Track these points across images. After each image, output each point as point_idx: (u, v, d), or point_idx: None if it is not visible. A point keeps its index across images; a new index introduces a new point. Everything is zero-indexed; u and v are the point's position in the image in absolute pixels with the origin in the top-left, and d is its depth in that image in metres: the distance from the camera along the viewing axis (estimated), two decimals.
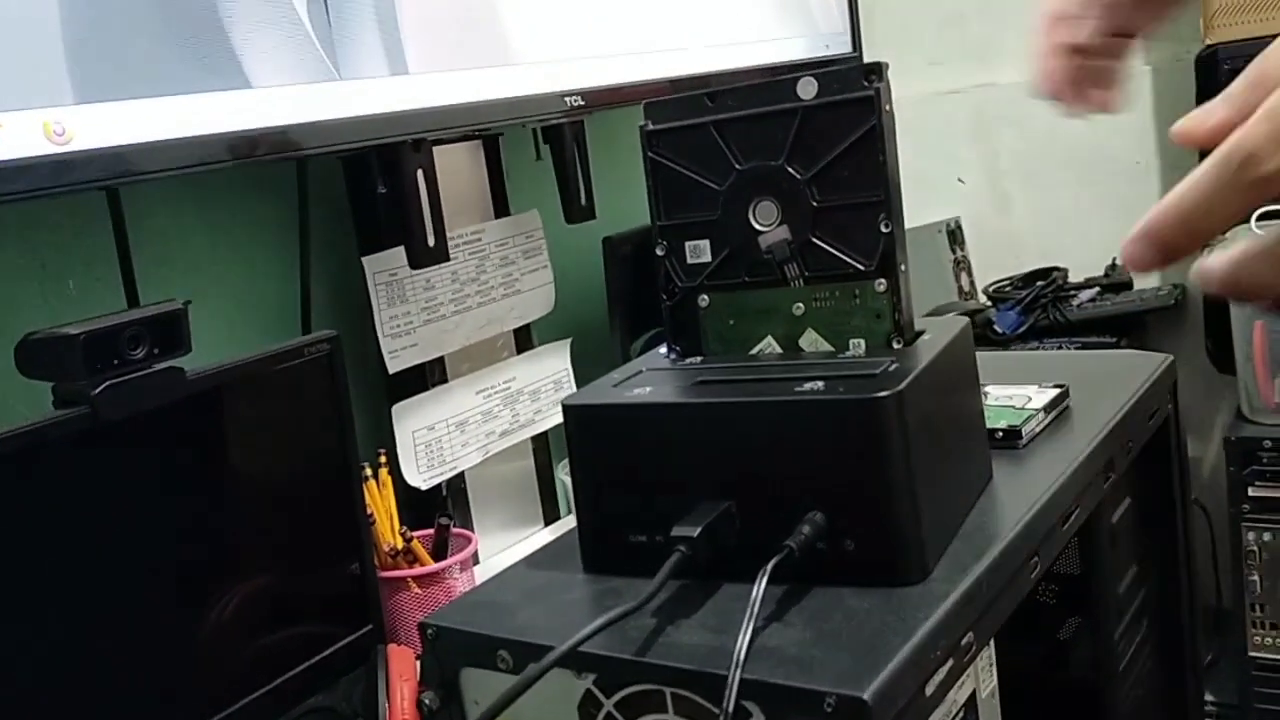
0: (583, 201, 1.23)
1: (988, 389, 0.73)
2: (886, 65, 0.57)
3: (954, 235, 1.92)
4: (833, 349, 0.60)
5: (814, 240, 0.59)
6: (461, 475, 1.18)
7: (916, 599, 0.50)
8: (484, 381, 1.20)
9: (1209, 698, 1.59)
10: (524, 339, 1.27)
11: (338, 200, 1.12)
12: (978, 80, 1.89)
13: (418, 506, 1.12)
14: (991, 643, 0.57)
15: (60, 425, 0.75)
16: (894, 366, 0.54)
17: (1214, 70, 1.60)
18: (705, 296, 0.62)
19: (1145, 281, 1.80)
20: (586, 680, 0.51)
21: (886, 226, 0.57)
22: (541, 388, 1.26)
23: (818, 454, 0.51)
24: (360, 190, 1.10)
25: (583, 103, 1.12)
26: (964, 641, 0.50)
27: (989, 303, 1.82)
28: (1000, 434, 0.66)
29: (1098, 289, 1.78)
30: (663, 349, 0.64)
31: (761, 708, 0.46)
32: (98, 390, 0.75)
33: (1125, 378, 0.73)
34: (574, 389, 1.29)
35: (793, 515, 0.52)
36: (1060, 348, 1.71)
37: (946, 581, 0.51)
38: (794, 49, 1.45)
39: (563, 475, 1.28)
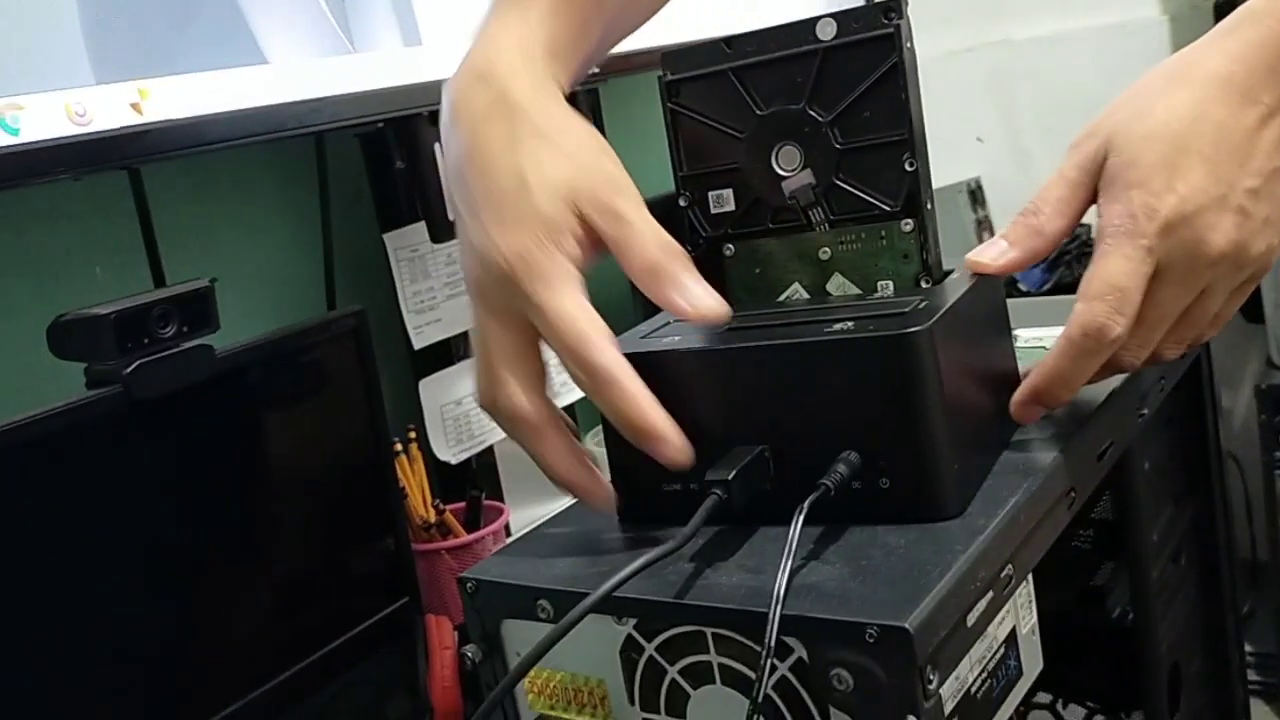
0: None
1: (1017, 333, 0.72)
2: (906, 2, 0.57)
3: (975, 195, 1.90)
4: (861, 292, 0.60)
5: (838, 183, 0.59)
6: (490, 448, 1.18)
7: (954, 533, 0.50)
8: None
9: (1246, 648, 1.58)
10: None
11: (356, 178, 1.13)
12: (992, 37, 1.87)
13: (448, 480, 1.13)
14: (1030, 579, 0.57)
15: (93, 405, 0.75)
16: (924, 304, 0.54)
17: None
18: (730, 246, 0.62)
19: None
20: (627, 625, 0.51)
21: (911, 165, 0.57)
22: None
23: (850, 393, 0.51)
24: (378, 166, 1.11)
25: (597, 70, 1.11)
26: (1003, 574, 0.50)
27: None
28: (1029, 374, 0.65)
29: None
30: None
31: (803, 642, 0.46)
32: (129, 369, 0.76)
33: None
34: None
35: (827, 456, 0.52)
36: None
37: (983, 515, 0.51)
38: (812, 6, 1.44)
39: (591, 445, 1.28)
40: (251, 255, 1.06)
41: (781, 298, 0.61)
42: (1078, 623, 0.78)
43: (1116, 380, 0.65)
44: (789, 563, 0.46)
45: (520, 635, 0.54)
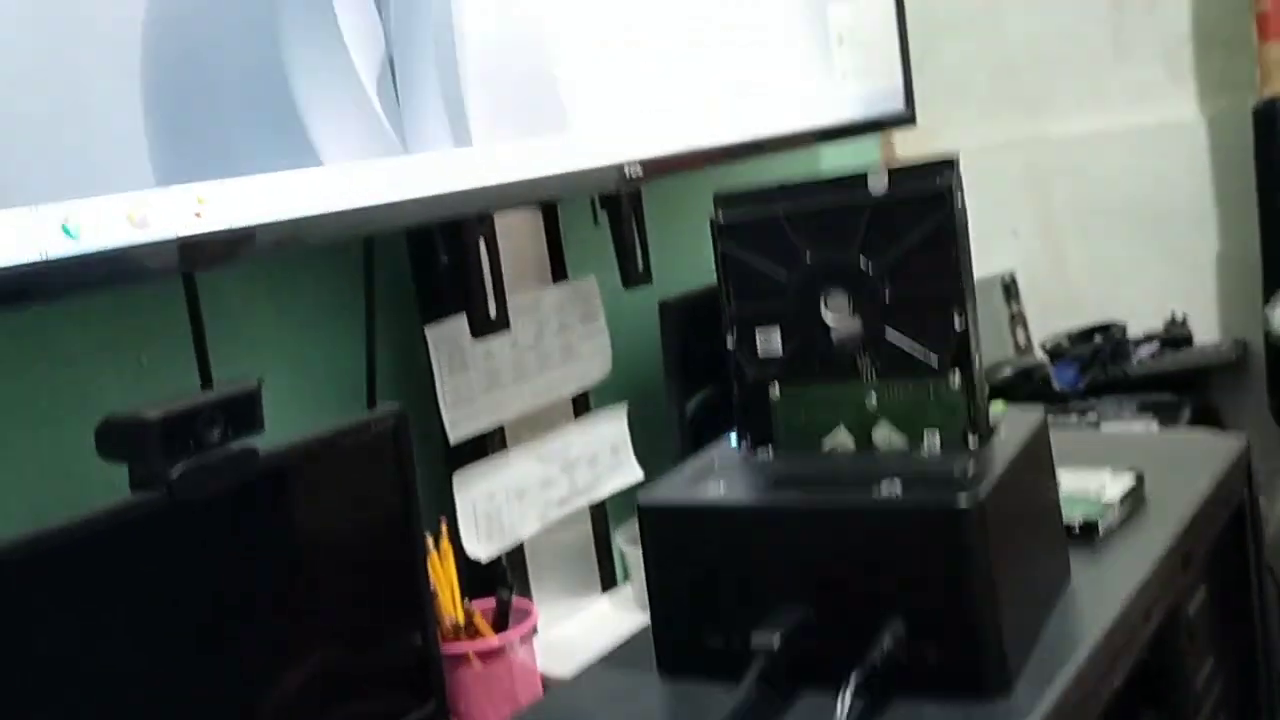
0: (640, 267, 1.24)
1: (1060, 474, 0.72)
2: (957, 160, 0.57)
3: (1009, 289, 1.90)
4: (906, 444, 0.60)
5: (886, 334, 0.59)
6: (519, 545, 1.18)
7: (1002, 715, 0.49)
8: (542, 448, 1.21)
9: None
10: (581, 402, 1.28)
11: (401, 267, 1.14)
12: (1030, 132, 1.88)
13: (476, 572, 1.13)
14: None
15: (137, 507, 0.76)
16: (973, 468, 0.53)
17: (1273, 122, 1.59)
18: (777, 388, 0.62)
19: (1204, 335, 1.78)
20: None
21: (961, 324, 0.57)
22: (599, 453, 1.26)
23: (898, 560, 0.51)
24: (424, 259, 1.12)
25: (641, 173, 1.13)
26: None
27: (1046, 358, 1.80)
28: (1077, 530, 0.65)
29: (1157, 344, 1.76)
30: (732, 437, 0.64)
31: None
32: (175, 473, 0.76)
33: (1200, 463, 0.72)
34: (630, 455, 1.29)
35: (872, 620, 0.51)
36: (1120, 404, 1.69)
37: (1031, 694, 0.50)
38: (850, 109, 1.45)
39: (621, 543, 1.28)
40: (296, 346, 1.07)
41: (825, 441, 0.61)
42: None
43: (1166, 536, 0.64)
44: None
45: None
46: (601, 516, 1.27)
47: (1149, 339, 1.77)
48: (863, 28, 1.48)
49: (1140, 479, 0.70)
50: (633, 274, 1.25)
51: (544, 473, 1.20)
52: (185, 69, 0.77)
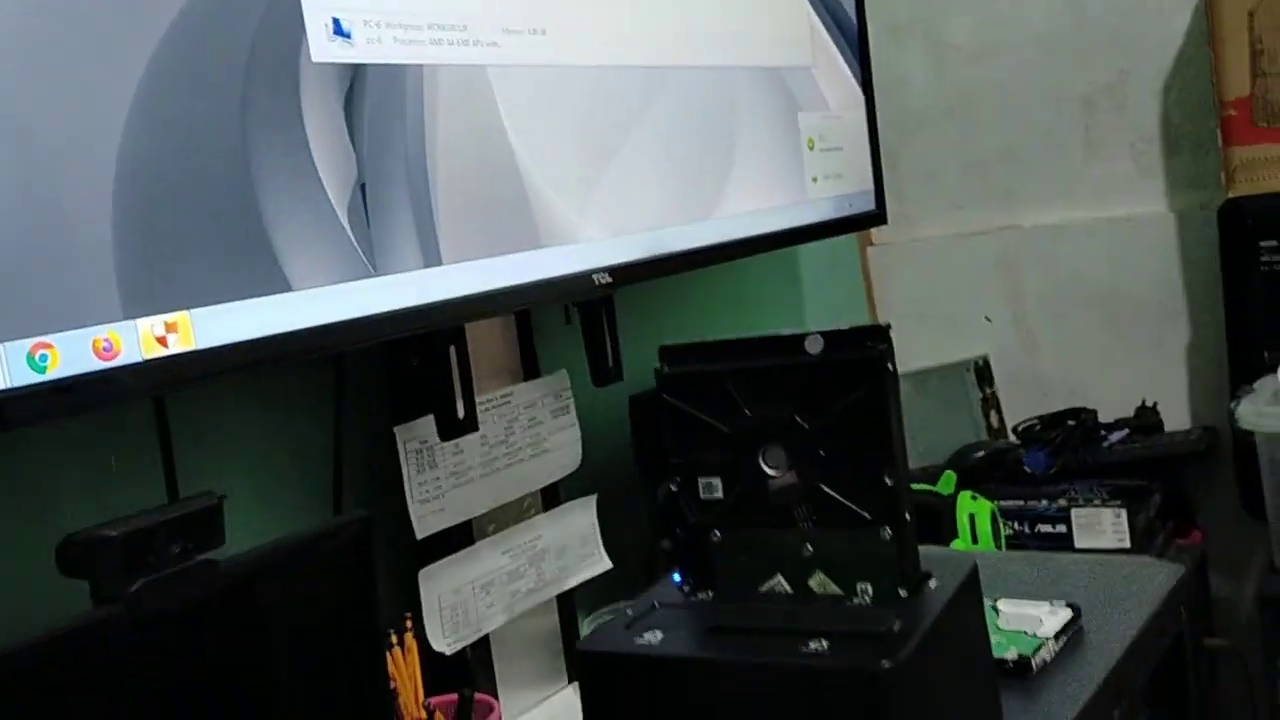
0: (610, 364, 1.26)
1: (999, 605, 0.74)
2: (889, 326, 0.60)
3: (982, 373, 1.93)
4: (841, 591, 0.61)
5: (822, 488, 0.61)
6: (486, 638, 1.19)
7: None
8: (510, 541, 1.22)
9: None
10: (550, 493, 1.29)
11: (373, 367, 1.16)
12: (1002, 222, 1.92)
13: (442, 668, 1.14)
14: None
15: (97, 623, 0.77)
16: (899, 625, 0.55)
17: (1238, 222, 1.62)
18: (717, 532, 0.64)
19: (1174, 423, 1.80)
20: None
21: (891, 480, 0.59)
22: (568, 545, 1.28)
23: (825, 716, 0.53)
24: (394, 361, 1.14)
25: (610, 280, 1.16)
26: None
27: (1018, 442, 1.82)
28: (1010, 665, 0.66)
29: (1127, 430, 1.78)
30: (676, 577, 0.66)
31: None
32: (134, 588, 0.78)
33: (1138, 594, 0.74)
34: (599, 546, 1.31)
35: None
36: (1092, 490, 1.70)
37: None
38: (820, 210, 1.49)
39: (587, 632, 1.29)
40: (264, 448, 1.09)
41: (764, 587, 0.63)
42: None
43: (1099, 671, 0.66)
44: None
45: None
46: (569, 606, 1.28)
47: (1120, 425, 1.79)
48: (833, 133, 1.52)
49: (1077, 614, 0.72)
50: (604, 372, 1.27)
51: (512, 565, 1.22)
52: (156, 202, 0.79)
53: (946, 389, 1.91)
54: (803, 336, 0.60)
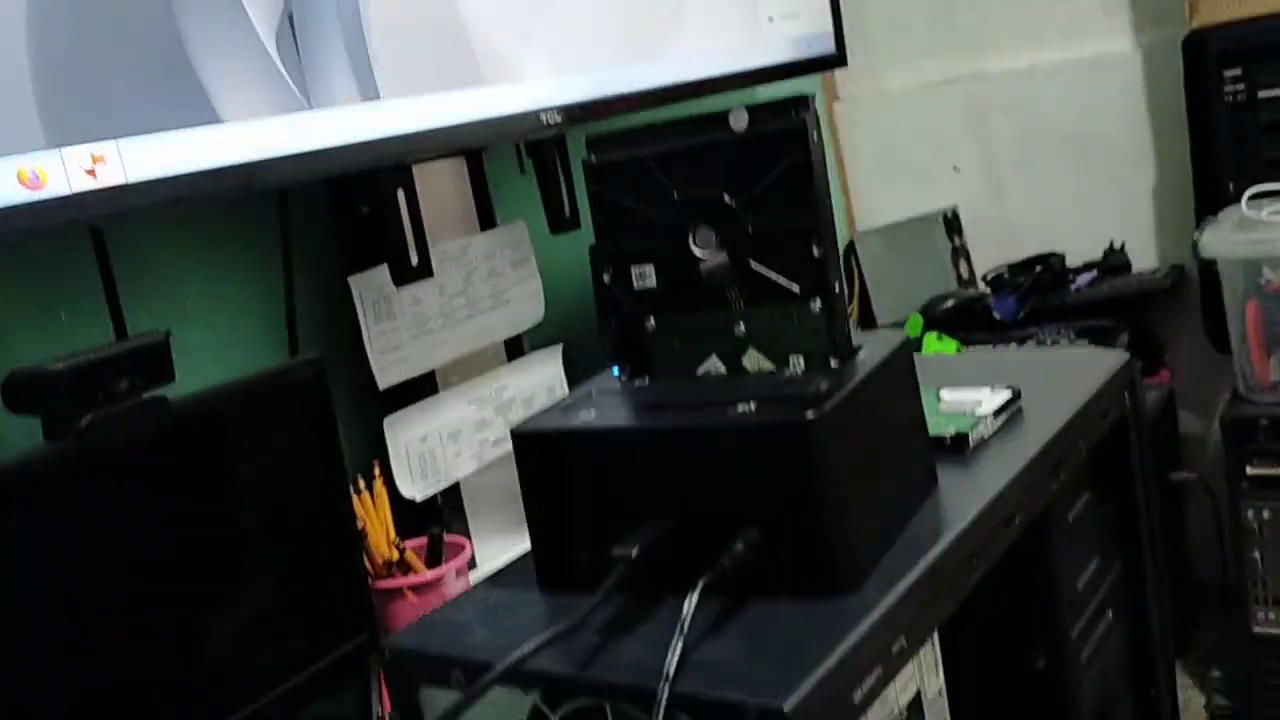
0: (567, 213, 1.25)
1: (942, 393, 0.74)
2: (812, 97, 0.59)
3: (951, 224, 1.92)
4: (774, 367, 0.62)
5: (752, 265, 0.61)
6: (457, 484, 1.20)
7: (846, 609, 0.52)
8: (475, 391, 1.23)
9: (1216, 673, 1.60)
10: (515, 348, 1.29)
11: (323, 217, 1.15)
12: (969, 70, 1.89)
13: (416, 517, 1.15)
14: (935, 644, 0.59)
15: (49, 457, 0.78)
16: (825, 385, 0.56)
17: (1201, 54, 1.60)
18: (651, 320, 0.64)
19: (1142, 263, 1.80)
20: (533, 696, 0.53)
21: (819, 251, 0.59)
22: (535, 394, 1.28)
23: (751, 473, 0.53)
24: (345, 209, 1.13)
25: (559, 119, 1.14)
26: (895, 648, 0.52)
27: (988, 290, 1.83)
28: (948, 441, 0.67)
29: (1095, 273, 1.78)
30: (614, 369, 0.66)
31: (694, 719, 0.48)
32: (84, 423, 0.78)
33: (1079, 377, 0.75)
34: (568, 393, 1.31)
35: (732, 531, 0.54)
36: (1059, 331, 1.72)
37: (877, 590, 0.53)
38: (776, 52, 1.46)
39: None
40: (215, 298, 1.08)
41: (700, 369, 0.63)
42: (1007, 672, 0.80)
43: (1035, 444, 0.67)
44: (680, 641, 0.48)
45: (438, 703, 0.56)
46: None
47: (1088, 268, 1.80)
48: None
49: (1017, 394, 0.73)
50: (560, 220, 1.26)
51: (478, 415, 1.22)
52: (75, 29, 0.77)
53: (916, 242, 1.91)
54: (727, 114, 0.59)
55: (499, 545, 1.26)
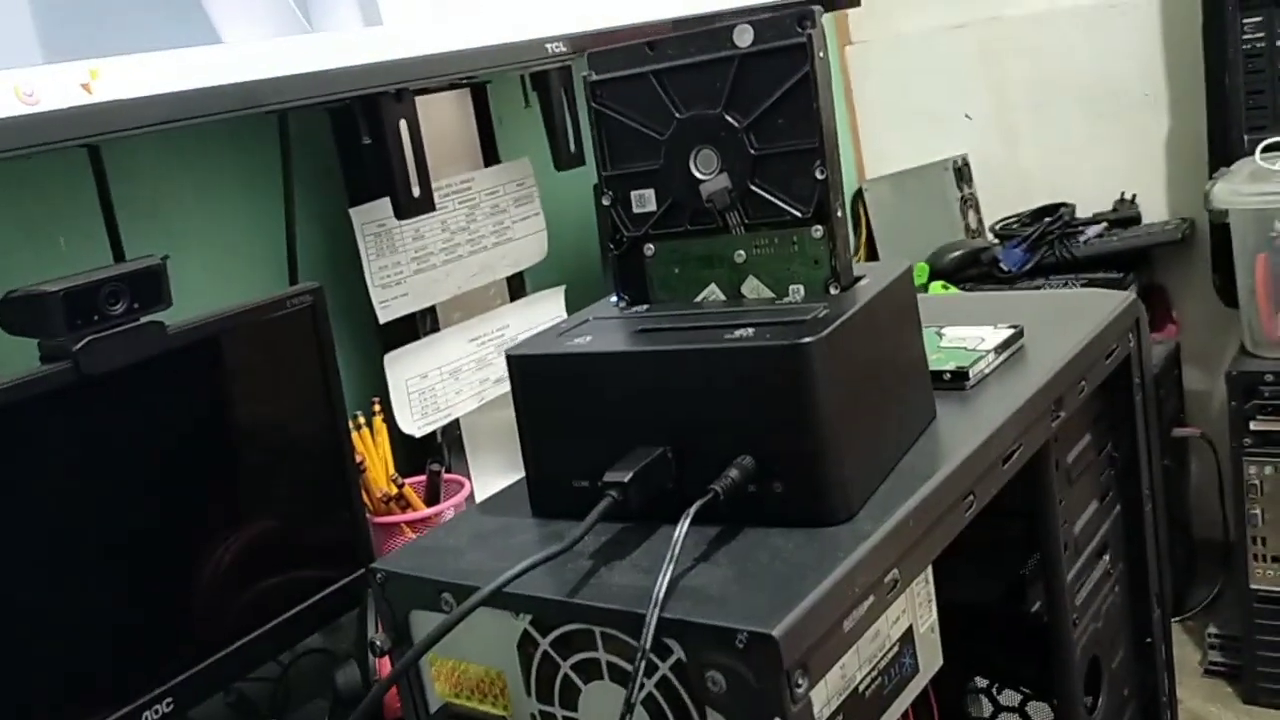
0: (571, 149, 1.24)
1: (944, 330, 0.73)
2: (819, 11, 0.57)
3: (961, 172, 1.90)
4: (774, 295, 0.61)
5: (753, 188, 0.59)
6: (457, 422, 1.20)
7: (839, 538, 0.51)
8: (476, 330, 1.22)
9: (1213, 630, 1.60)
10: (517, 287, 1.28)
11: (326, 149, 1.14)
12: (984, 13, 1.86)
13: (416, 453, 1.15)
14: (929, 578, 0.58)
15: (44, 380, 0.77)
16: (824, 312, 0.55)
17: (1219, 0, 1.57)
18: (651, 245, 0.63)
19: (1153, 216, 1.78)
20: (523, 621, 0.53)
21: (822, 173, 0.58)
22: None
23: (746, 399, 0.53)
24: (347, 140, 1.12)
25: (565, 49, 1.12)
26: (887, 578, 0.52)
27: (996, 240, 1.81)
28: (948, 375, 0.66)
29: (1105, 224, 1.76)
30: (613, 297, 0.65)
31: (682, 645, 0.48)
32: (79, 346, 0.78)
33: (1084, 317, 0.74)
34: None
35: (726, 459, 0.53)
36: (1066, 284, 1.70)
37: (871, 520, 0.52)
38: None
39: None
40: (215, 226, 1.08)
41: (699, 297, 0.62)
42: (1004, 613, 0.80)
43: (1036, 380, 0.66)
44: (670, 567, 0.48)
45: (427, 626, 0.56)
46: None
47: (1097, 219, 1.78)
48: None
49: (1019, 331, 0.72)
50: (565, 156, 1.24)
51: (479, 353, 1.22)
52: None
53: (925, 190, 1.89)
54: (732, 28, 0.58)
55: (499, 483, 1.25)
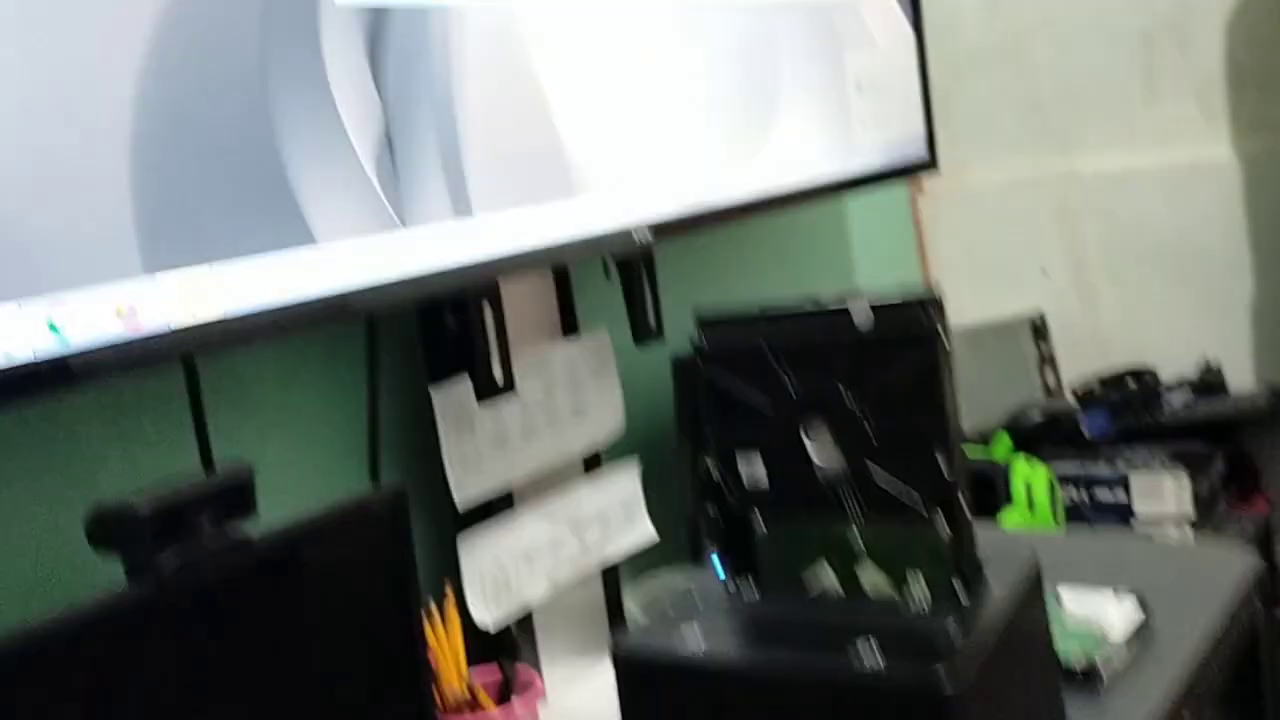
0: (651, 323, 1.23)
1: (1060, 590, 0.70)
2: (943, 298, 0.55)
3: (1038, 329, 1.87)
4: (892, 586, 0.58)
5: (870, 472, 0.57)
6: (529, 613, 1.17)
7: None
8: (552, 507, 1.19)
9: None
10: (592, 460, 1.26)
11: (408, 328, 1.13)
12: (1060, 170, 1.85)
13: (485, 638, 1.12)
14: None
15: (128, 599, 0.76)
16: (954, 627, 0.52)
17: None
18: (761, 522, 0.61)
19: (1238, 383, 1.73)
20: None
21: (948, 471, 0.55)
22: (611, 512, 1.25)
23: None
24: (430, 321, 1.11)
25: (650, 237, 1.12)
26: None
27: (1076, 403, 1.77)
28: (1079, 675, 0.63)
29: (1190, 391, 1.72)
30: (716, 560, 0.63)
31: None
32: (167, 566, 0.76)
33: (1208, 588, 0.70)
34: (643, 513, 1.28)
35: None
36: (1151, 453, 1.64)
37: None
38: (868, 158, 1.43)
39: (632, 605, 1.27)
40: (299, 412, 1.07)
41: (808, 575, 0.59)
42: None
43: (1172, 682, 0.62)
44: None
45: None
46: (613, 579, 1.25)
47: (1181, 385, 1.73)
48: (882, 73, 1.45)
49: (1145, 608, 0.68)
50: (644, 330, 1.23)
51: (553, 533, 1.19)
52: (174, 151, 0.76)
53: (1001, 346, 1.85)
54: (848, 308, 0.56)
55: (569, 670, 1.22)
